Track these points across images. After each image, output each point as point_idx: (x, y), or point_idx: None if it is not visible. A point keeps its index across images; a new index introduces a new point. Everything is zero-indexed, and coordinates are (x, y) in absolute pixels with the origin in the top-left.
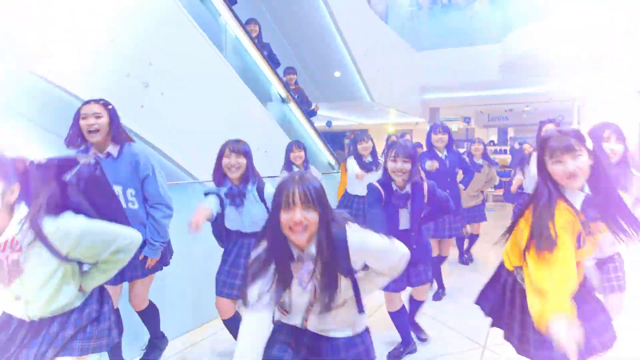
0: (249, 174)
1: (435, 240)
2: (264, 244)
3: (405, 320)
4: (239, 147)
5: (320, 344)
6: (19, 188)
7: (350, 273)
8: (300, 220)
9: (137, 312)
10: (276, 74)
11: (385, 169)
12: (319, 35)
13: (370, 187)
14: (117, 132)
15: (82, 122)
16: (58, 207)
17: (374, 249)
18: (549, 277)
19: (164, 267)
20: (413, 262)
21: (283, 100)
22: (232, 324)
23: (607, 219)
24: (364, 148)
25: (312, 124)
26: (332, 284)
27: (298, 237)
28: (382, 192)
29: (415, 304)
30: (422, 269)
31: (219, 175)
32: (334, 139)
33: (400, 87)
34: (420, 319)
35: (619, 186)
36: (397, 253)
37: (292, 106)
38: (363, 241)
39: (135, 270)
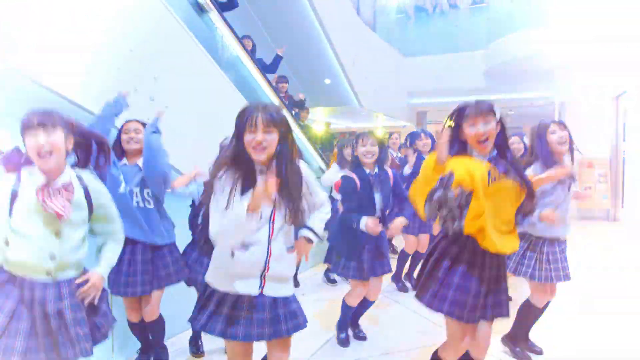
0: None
1: (414, 238)
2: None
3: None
4: None
5: (273, 305)
6: (72, 141)
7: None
8: (260, 141)
9: (148, 322)
10: (270, 85)
11: (356, 157)
12: (310, 45)
13: (344, 177)
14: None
15: (124, 136)
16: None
17: (313, 183)
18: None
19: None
20: (380, 252)
21: None
22: None
23: (511, 173)
24: (348, 154)
25: (303, 129)
26: (293, 193)
27: (259, 156)
28: (357, 179)
29: (367, 305)
30: (386, 261)
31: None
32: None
33: (388, 93)
34: (400, 312)
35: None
36: (323, 195)
37: (286, 114)
38: (308, 173)
39: (151, 283)
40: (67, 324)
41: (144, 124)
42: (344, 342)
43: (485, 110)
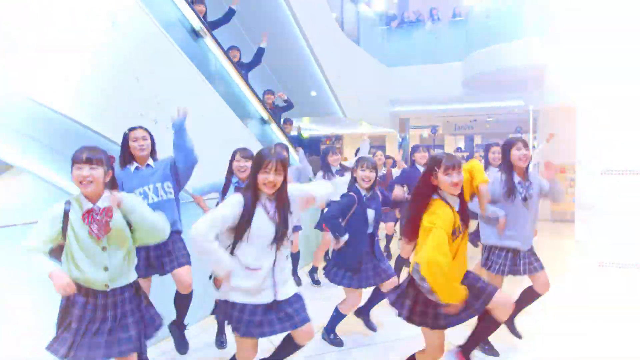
0: None
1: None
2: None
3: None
4: (246, 153)
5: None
6: (111, 174)
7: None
8: (272, 181)
9: (183, 294)
10: (258, 97)
11: (354, 178)
12: (297, 60)
13: (349, 195)
14: (154, 150)
15: (133, 144)
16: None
17: (302, 192)
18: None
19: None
20: (378, 259)
21: (264, 121)
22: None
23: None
24: (335, 160)
25: (290, 139)
26: (287, 214)
27: (269, 191)
28: (356, 199)
29: (380, 296)
30: (386, 266)
31: (229, 176)
32: (310, 146)
33: (371, 102)
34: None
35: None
36: (322, 189)
37: (273, 126)
38: (296, 188)
39: (172, 262)
40: (117, 328)
41: (147, 131)
42: (339, 343)
43: (458, 163)
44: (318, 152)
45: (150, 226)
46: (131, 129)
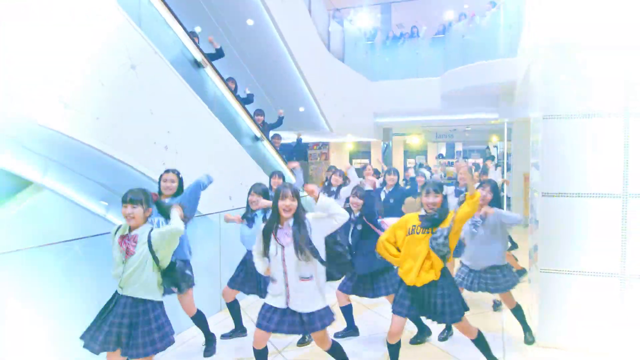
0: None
1: None
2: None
3: (350, 313)
4: (258, 189)
5: (298, 317)
6: (150, 210)
7: (307, 235)
8: (289, 207)
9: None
10: (252, 118)
11: (347, 200)
12: (287, 80)
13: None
14: (181, 187)
15: (163, 184)
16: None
17: (317, 216)
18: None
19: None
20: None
21: (257, 138)
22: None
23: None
24: (336, 180)
25: (282, 157)
26: (302, 232)
27: (286, 215)
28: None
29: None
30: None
31: (248, 207)
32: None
33: (356, 114)
34: (362, 313)
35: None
36: (330, 209)
37: (266, 143)
38: (311, 216)
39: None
40: (138, 334)
41: (177, 174)
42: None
43: (435, 189)
44: (305, 157)
45: (168, 238)
46: (166, 171)
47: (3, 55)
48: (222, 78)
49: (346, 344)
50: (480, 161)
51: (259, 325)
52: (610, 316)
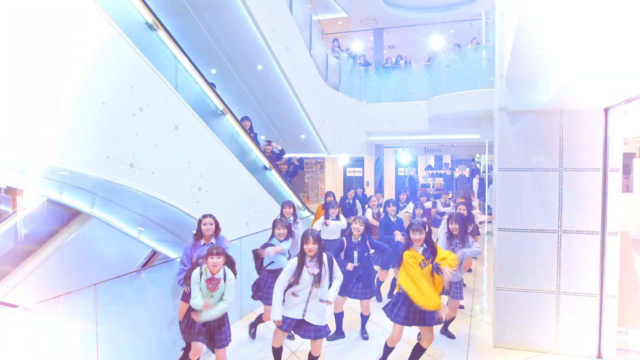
0: (289, 235)
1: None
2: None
3: (341, 318)
4: (283, 224)
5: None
6: (225, 259)
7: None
8: (312, 249)
9: None
10: (263, 152)
11: (349, 225)
12: (290, 113)
13: (340, 240)
14: (217, 231)
15: (203, 227)
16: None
17: (335, 265)
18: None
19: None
20: (357, 278)
21: (266, 168)
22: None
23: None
24: (333, 213)
25: (287, 182)
26: (321, 269)
27: (311, 254)
28: (345, 243)
29: (363, 319)
30: (367, 289)
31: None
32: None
33: (350, 135)
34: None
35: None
36: (339, 272)
37: (274, 172)
38: (331, 258)
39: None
40: (216, 331)
41: (214, 217)
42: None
43: (420, 227)
44: (302, 167)
45: (226, 299)
46: (204, 216)
47: (87, 118)
48: (238, 121)
49: (336, 347)
50: (466, 172)
51: (280, 327)
52: (549, 323)
